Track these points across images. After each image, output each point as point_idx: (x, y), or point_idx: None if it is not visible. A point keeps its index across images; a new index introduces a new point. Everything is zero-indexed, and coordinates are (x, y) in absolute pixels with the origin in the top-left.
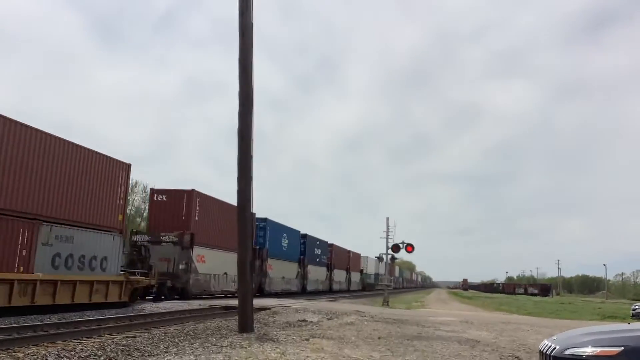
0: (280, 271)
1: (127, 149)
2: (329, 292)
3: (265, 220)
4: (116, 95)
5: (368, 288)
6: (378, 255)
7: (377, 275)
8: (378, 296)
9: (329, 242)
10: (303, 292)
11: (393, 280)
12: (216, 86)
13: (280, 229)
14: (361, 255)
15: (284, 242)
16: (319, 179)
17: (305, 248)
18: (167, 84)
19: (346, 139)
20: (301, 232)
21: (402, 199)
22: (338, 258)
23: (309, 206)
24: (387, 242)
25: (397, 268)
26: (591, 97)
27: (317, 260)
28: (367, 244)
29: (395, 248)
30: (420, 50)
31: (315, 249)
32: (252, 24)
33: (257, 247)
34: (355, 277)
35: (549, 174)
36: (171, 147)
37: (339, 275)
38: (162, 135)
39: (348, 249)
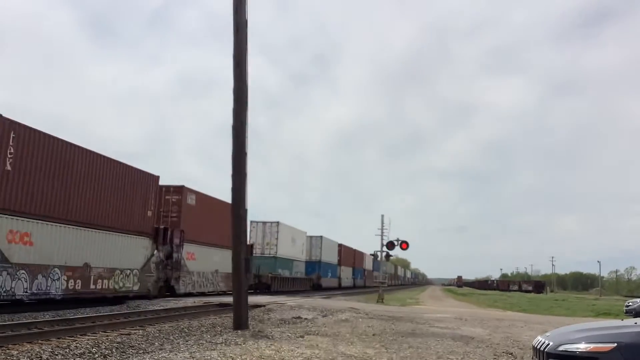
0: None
1: (119, 146)
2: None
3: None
4: (108, 92)
5: (292, 285)
6: (373, 252)
7: (317, 265)
8: (373, 293)
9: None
10: None
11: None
12: (210, 83)
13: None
14: (252, 220)
15: None
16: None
17: None
18: (160, 80)
19: (341, 136)
20: None
21: (397, 196)
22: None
23: (303, 203)
24: (382, 239)
25: (367, 258)
26: (585, 94)
27: None
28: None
29: (390, 245)
30: (414, 47)
31: None
32: (246, 20)
33: None
34: (215, 258)
35: (543, 171)
36: (164, 143)
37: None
38: (155, 132)
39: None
